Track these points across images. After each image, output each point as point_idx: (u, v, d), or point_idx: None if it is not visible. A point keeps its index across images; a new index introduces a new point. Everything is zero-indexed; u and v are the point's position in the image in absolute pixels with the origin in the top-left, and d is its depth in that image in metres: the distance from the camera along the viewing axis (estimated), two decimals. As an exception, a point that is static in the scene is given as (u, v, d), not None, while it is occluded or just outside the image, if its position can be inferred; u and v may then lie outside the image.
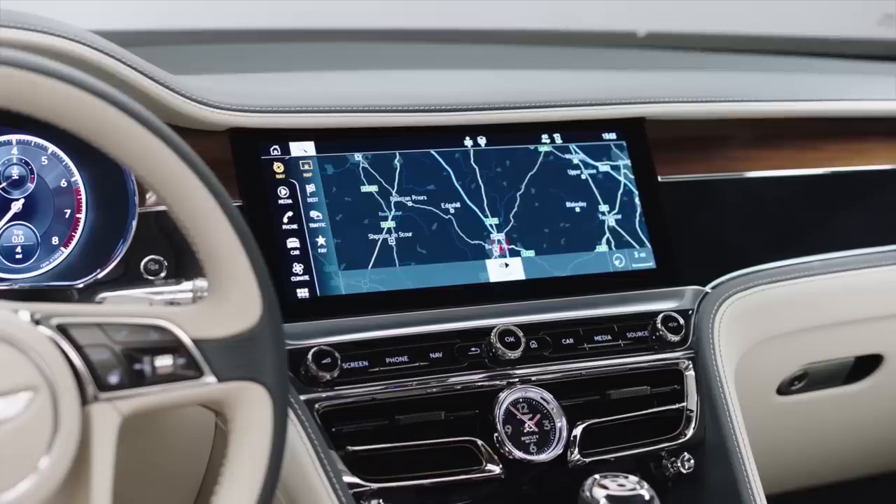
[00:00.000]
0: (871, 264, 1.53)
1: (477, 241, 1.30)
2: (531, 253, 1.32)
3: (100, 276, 1.15)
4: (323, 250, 1.23)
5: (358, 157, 1.28)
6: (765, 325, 1.43)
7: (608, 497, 1.06)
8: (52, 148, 1.19)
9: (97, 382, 0.81)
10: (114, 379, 0.81)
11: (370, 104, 1.27)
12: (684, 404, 1.30)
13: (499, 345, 1.22)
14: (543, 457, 1.19)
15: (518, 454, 1.18)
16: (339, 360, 1.15)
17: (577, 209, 1.35)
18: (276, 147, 1.25)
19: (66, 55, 1.09)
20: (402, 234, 1.27)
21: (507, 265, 1.30)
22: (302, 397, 1.14)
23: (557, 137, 1.37)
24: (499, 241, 1.31)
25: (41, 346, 0.80)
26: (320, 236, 1.23)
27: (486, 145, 1.33)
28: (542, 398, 1.22)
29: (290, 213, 1.23)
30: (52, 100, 0.81)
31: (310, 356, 1.14)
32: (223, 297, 0.86)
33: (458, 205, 1.30)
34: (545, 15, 2.01)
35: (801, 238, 1.51)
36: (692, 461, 1.28)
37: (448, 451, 1.19)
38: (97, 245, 1.18)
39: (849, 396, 1.62)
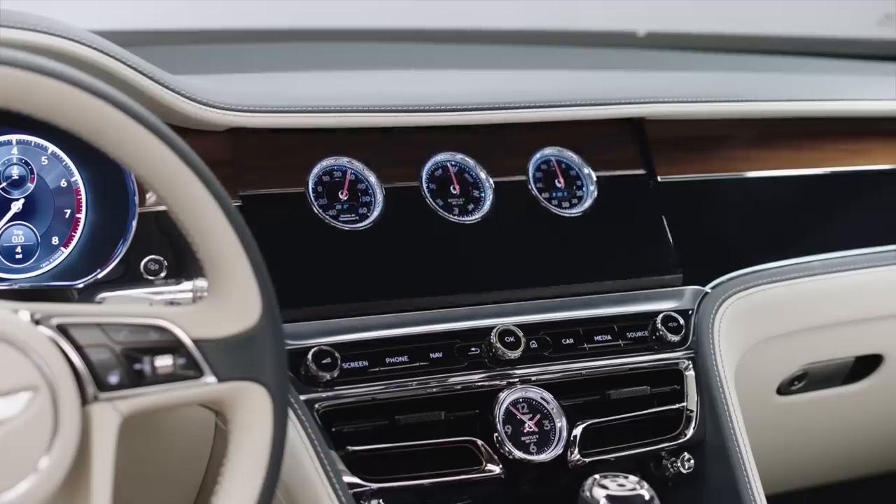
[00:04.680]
0: (871, 264, 1.53)
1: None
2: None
3: (100, 276, 1.15)
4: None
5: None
6: (765, 325, 1.43)
7: (608, 497, 1.06)
8: (52, 148, 1.19)
9: (97, 382, 0.81)
10: (114, 379, 0.81)
11: (370, 104, 1.27)
12: (684, 404, 1.30)
13: (499, 345, 1.22)
14: (543, 457, 1.19)
15: (518, 454, 1.18)
16: (339, 360, 1.15)
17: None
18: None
19: (66, 55, 1.09)
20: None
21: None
22: (302, 397, 1.14)
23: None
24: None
25: (41, 346, 0.80)
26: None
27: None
28: (542, 398, 1.22)
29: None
30: (51, 100, 0.80)
31: (310, 356, 1.14)
32: (223, 297, 0.86)
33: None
34: (545, 15, 2.01)
35: (801, 238, 1.51)
36: (692, 461, 1.28)
37: (448, 451, 1.19)
38: (97, 245, 1.18)
39: (849, 396, 1.62)
